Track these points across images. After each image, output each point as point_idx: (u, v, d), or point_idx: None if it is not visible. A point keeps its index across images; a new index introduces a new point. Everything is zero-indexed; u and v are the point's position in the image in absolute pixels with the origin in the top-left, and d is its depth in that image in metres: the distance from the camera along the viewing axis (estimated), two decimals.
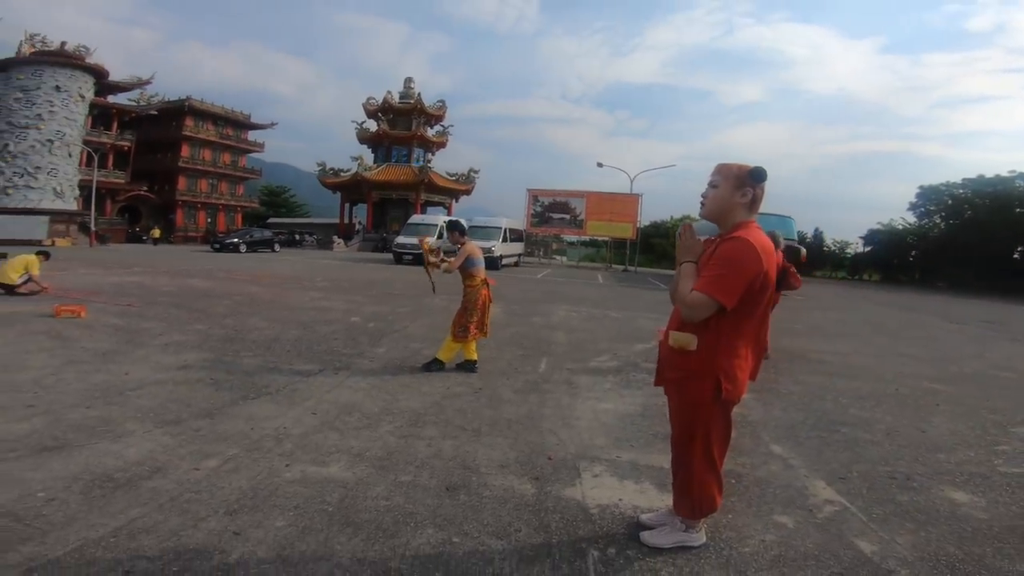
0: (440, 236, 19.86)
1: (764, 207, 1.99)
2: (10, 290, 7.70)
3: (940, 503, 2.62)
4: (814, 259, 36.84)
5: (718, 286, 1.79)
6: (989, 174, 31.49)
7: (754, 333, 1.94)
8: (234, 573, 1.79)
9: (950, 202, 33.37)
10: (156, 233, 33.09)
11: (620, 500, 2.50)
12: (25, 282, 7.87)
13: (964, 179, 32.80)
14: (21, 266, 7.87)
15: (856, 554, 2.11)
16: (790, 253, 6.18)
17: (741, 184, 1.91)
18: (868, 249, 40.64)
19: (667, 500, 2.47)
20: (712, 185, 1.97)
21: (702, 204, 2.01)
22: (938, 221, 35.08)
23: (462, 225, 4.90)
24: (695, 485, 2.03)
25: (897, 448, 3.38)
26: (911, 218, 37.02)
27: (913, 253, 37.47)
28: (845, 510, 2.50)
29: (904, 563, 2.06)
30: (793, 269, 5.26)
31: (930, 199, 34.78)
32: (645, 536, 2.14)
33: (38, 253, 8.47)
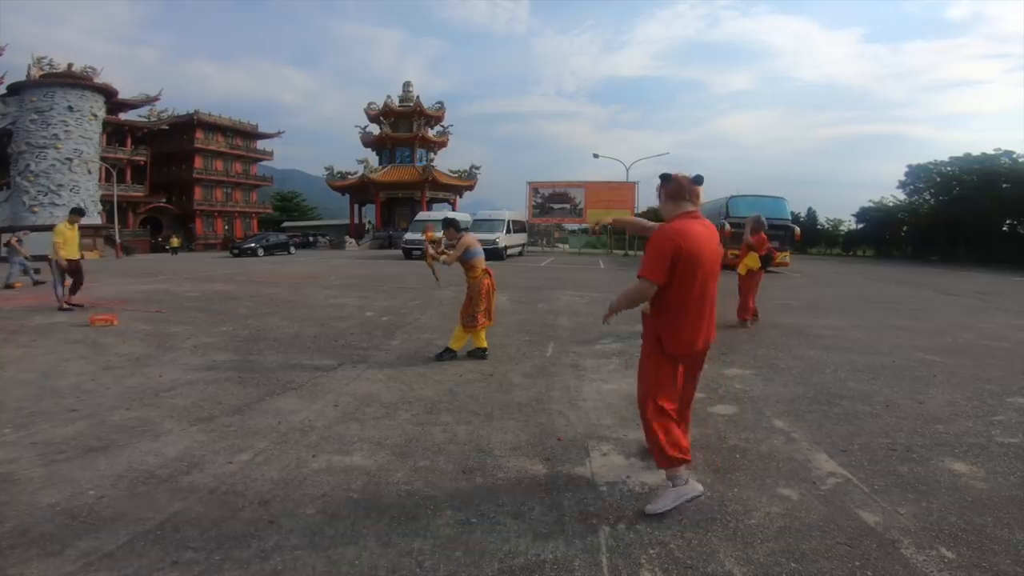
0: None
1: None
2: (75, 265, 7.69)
3: (940, 474, 2.63)
4: (808, 237, 37.09)
5: (645, 268, 2.21)
6: (975, 153, 31.96)
7: (694, 301, 2.23)
8: (271, 559, 1.88)
9: (939, 179, 33.99)
10: (175, 242, 33.70)
11: (628, 477, 2.58)
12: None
13: (951, 157, 33.35)
14: (72, 239, 7.72)
15: (860, 525, 2.14)
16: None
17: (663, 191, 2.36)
18: (861, 226, 41.63)
19: None
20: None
21: None
22: (928, 198, 35.68)
23: (456, 221, 5.06)
24: (650, 432, 2.29)
25: (896, 420, 3.40)
26: (901, 195, 37.89)
27: (905, 229, 38.37)
28: (847, 482, 2.54)
29: (907, 533, 2.08)
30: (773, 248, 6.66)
31: (919, 177, 35.47)
32: (648, 508, 2.25)
33: (72, 212, 8.04)
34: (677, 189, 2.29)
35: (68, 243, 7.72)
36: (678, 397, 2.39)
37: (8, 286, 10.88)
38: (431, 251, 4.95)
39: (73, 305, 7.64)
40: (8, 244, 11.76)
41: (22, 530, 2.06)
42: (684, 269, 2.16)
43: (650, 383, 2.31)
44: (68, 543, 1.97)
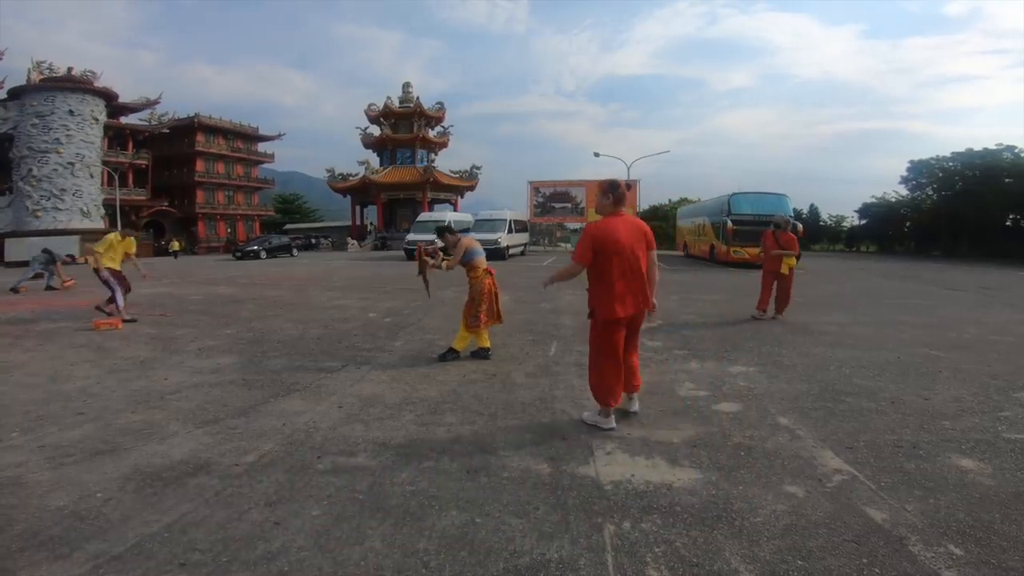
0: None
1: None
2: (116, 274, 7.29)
3: (947, 470, 2.62)
4: (811, 233, 37.08)
5: (575, 255, 3.06)
6: (976, 148, 31.88)
7: (614, 277, 2.97)
8: (277, 561, 1.90)
9: (940, 175, 33.86)
10: (175, 245, 33.64)
11: (632, 476, 2.58)
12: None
13: (953, 153, 33.27)
14: (119, 249, 7.30)
15: (867, 522, 2.14)
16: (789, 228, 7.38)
17: (603, 192, 3.15)
18: (864, 222, 41.58)
19: (677, 474, 2.58)
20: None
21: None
22: (930, 193, 35.65)
23: (449, 226, 5.12)
24: (591, 378, 3.21)
25: (902, 416, 3.39)
26: (903, 191, 37.74)
27: (907, 224, 38.21)
28: (854, 479, 2.53)
29: (915, 530, 2.08)
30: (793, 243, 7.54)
31: (921, 172, 35.43)
32: (581, 415, 3.32)
33: (124, 227, 7.94)
34: (623, 196, 3.11)
35: (110, 251, 7.38)
36: (619, 357, 3.14)
37: (14, 290, 10.95)
38: (431, 262, 4.94)
39: (99, 309, 7.39)
40: (46, 255, 12.00)
41: (31, 533, 2.07)
42: (602, 253, 2.96)
43: (595, 352, 3.15)
44: (76, 546, 1.99)
